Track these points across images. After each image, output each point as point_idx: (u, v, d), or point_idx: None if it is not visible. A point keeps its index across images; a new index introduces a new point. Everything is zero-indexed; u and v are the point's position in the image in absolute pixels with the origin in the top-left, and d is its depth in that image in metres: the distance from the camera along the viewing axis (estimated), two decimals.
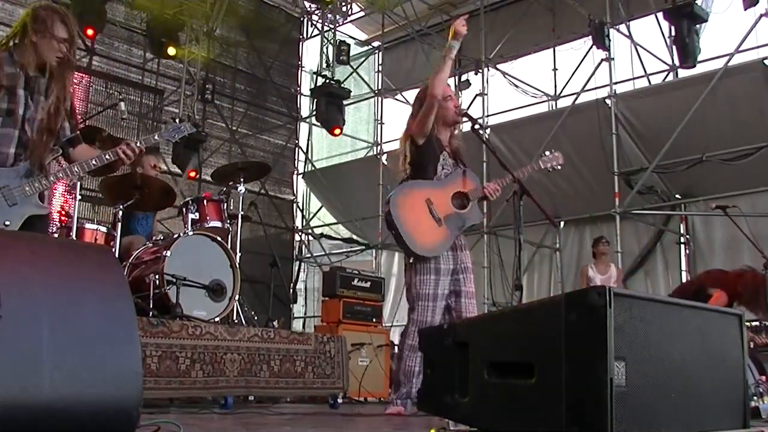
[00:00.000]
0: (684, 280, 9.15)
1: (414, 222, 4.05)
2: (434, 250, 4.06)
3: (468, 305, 4.15)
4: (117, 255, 4.81)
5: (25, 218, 3.04)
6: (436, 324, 4.07)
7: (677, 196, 9.43)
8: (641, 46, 10.08)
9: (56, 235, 5.49)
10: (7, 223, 2.98)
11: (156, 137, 3.55)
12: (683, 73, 9.32)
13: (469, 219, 4.21)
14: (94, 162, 3.22)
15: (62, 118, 3.21)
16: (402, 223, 4.03)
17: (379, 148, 12.78)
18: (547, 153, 4.37)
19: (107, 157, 3.26)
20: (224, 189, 5.87)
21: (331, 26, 12.77)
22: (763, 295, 5.59)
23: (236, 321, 5.22)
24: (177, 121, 3.69)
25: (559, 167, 4.36)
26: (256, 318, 6.16)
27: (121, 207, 4.89)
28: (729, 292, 5.67)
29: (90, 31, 9.06)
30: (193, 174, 10.41)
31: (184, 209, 5.41)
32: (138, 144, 3.31)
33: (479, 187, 4.21)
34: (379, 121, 12.91)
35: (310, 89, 12.28)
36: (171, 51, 10.45)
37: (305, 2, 12.78)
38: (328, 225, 12.96)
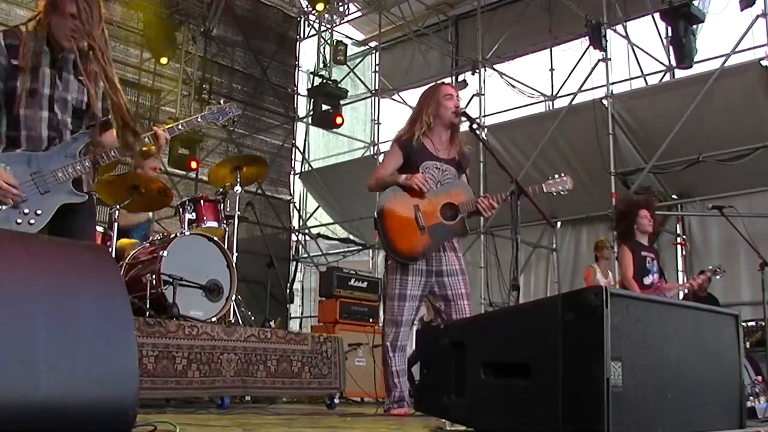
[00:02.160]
0: (680, 281, 9.16)
1: (397, 225, 4.07)
2: (410, 256, 4.07)
3: (458, 308, 4.11)
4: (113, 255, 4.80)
5: (57, 207, 2.88)
6: (404, 323, 4.08)
7: (674, 196, 9.45)
8: (638, 47, 10.10)
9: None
10: (39, 212, 2.83)
11: (199, 119, 3.33)
12: (680, 73, 9.33)
13: (455, 231, 4.17)
14: (113, 153, 3.01)
15: (99, 99, 3.02)
16: (385, 224, 4.06)
17: (375, 148, 12.78)
18: (555, 176, 4.24)
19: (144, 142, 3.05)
20: (221, 189, 5.87)
21: (328, 26, 12.77)
22: (632, 217, 5.50)
23: (233, 321, 5.22)
24: (222, 102, 3.44)
25: (565, 192, 4.24)
26: (252, 318, 6.16)
27: (117, 207, 4.88)
28: (624, 242, 5.53)
29: None
30: (194, 165, 10.37)
31: (180, 209, 5.41)
32: (179, 127, 3.15)
33: (472, 201, 4.15)
34: (376, 121, 12.90)
35: (307, 89, 12.28)
36: (163, 60, 10.50)
37: (302, 2, 12.77)
38: (324, 225, 12.96)
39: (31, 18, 2.98)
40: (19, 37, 2.87)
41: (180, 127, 3.17)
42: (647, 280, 5.39)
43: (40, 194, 2.85)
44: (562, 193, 4.24)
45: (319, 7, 11.29)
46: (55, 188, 2.88)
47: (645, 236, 5.50)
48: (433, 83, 4.56)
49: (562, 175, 4.28)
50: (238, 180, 5.70)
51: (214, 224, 5.47)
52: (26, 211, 2.80)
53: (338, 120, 11.20)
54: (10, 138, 2.88)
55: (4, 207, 2.75)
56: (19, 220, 2.78)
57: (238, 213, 5.70)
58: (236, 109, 3.47)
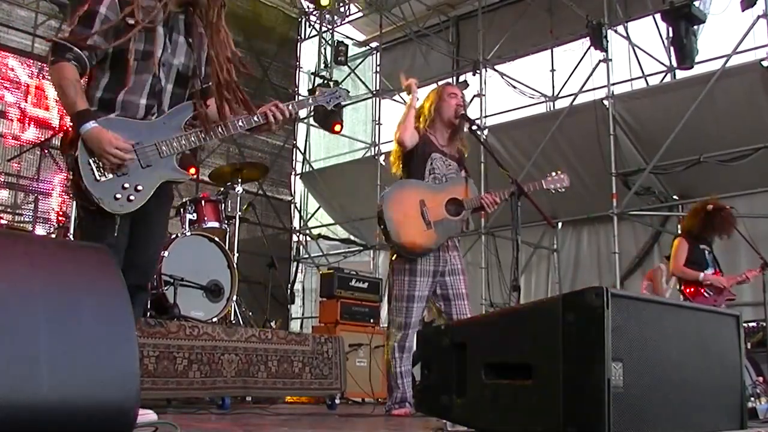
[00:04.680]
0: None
1: (403, 220, 4.07)
2: (418, 251, 4.07)
3: (459, 307, 4.15)
4: None
5: (159, 183, 2.65)
6: (413, 325, 4.09)
7: (675, 197, 9.43)
8: (639, 47, 10.09)
9: (54, 236, 5.49)
10: (140, 188, 2.58)
11: (310, 101, 3.15)
12: (681, 74, 9.32)
13: (460, 226, 4.21)
14: (240, 123, 2.80)
15: (204, 64, 2.77)
16: (391, 219, 4.06)
17: (377, 148, 12.77)
18: (553, 173, 4.32)
19: (255, 119, 2.83)
20: (222, 189, 5.87)
21: (329, 27, 12.76)
22: (716, 217, 5.55)
23: (234, 321, 5.22)
24: (332, 85, 3.23)
25: (563, 189, 4.30)
26: (253, 318, 6.16)
27: None
28: (685, 235, 5.67)
29: None
30: (192, 171, 10.34)
31: (181, 210, 5.41)
32: (290, 107, 2.91)
33: (476, 197, 4.20)
34: (377, 122, 12.89)
35: (308, 90, 12.27)
36: None
37: (303, 3, 12.77)
38: (325, 226, 12.95)
39: None
40: None
41: (290, 108, 2.95)
42: (707, 272, 5.53)
43: (141, 168, 2.60)
44: (560, 190, 4.28)
45: (324, 1, 11.28)
46: (157, 163, 2.63)
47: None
48: (441, 84, 4.61)
49: (560, 172, 4.33)
50: (239, 180, 5.71)
51: (215, 224, 5.48)
52: (126, 185, 2.56)
53: (337, 128, 11.27)
54: (103, 101, 2.63)
55: (103, 179, 2.53)
56: (119, 195, 2.55)
57: (239, 213, 5.71)
58: (346, 94, 3.28)
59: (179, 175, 2.74)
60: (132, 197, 2.58)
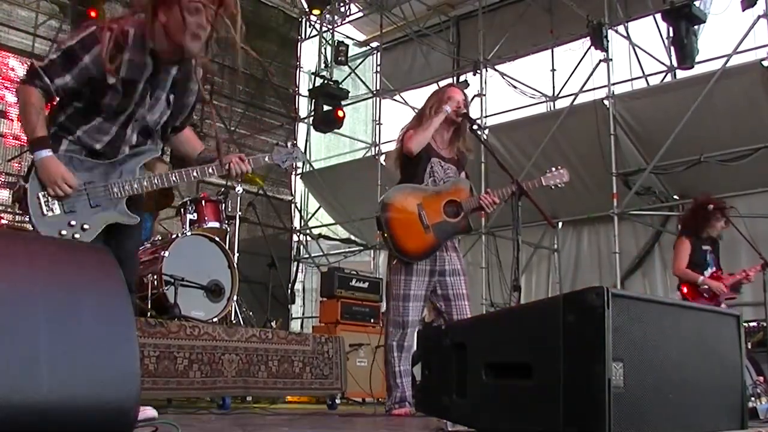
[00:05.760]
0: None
1: (401, 225, 4.07)
2: (417, 255, 4.08)
3: (459, 308, 4.14)
4: None
5: (106, 225, 2.64)
6: (410, 324, 4.10)
7: (675, 196, 9.43)
8: (639, 47, 10.09)
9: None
10: (86, 227, 2.59)
11: (266, 159, 3.10)
12: (681, 74, 9.32)
13: (459, 228, 4.21)
14: (195, 174, 2.82)
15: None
16: (390, 224, 4.06)
17: (377, 148, 12.77)
18: (553, 169, 4.31)
19: (210, 171, 2.85)
20: (222, 189, 5.87)
21: (330, 27, 12.77)
22: (706, 211, 5.56)
23: (234, 321, 5.22)
24: (289, 145, 3.21)
25: (562, 185, 4.30)
26: (254, 318, 6.16)
27: None
28: (685, 233, 5.71)
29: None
30: None
31: (182, 210, 5.41)
32: (249, 163, 2.93)
33: (475, 198, 4.20)
34: (378, 122, 12.88)
35: (309, 90, 12.27)
36: None
37: (303, 3, 12.77)
38: (326, 225, 12.95)
39: (130, 13, 2.67)
40: (124, 44, 2.57)
41: (250, 163, 2.98)
42: (706, 273, 5.56)
43: (90, 207, 2.62)
44: (559, 185, 4.27)
45: (316, 12, 11.35)
46: (106, 204, 2.65)
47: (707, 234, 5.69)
48: (443, 86, 4.59)
49: (559, 167, 4.32)
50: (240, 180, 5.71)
51: (216, 224, 5.49)
52: (73, 222, 2.58)
53: (340, 113, 11.20)
54: (63, 126, 2.64)
55: (50, 214, 2.54)
56: (64, 232, 2.56)
57: (240, 213, 5.71)
58: (303, 156, 3.27)
59: (127, 218, 2.71)
60: (77, 235, 2.58)
